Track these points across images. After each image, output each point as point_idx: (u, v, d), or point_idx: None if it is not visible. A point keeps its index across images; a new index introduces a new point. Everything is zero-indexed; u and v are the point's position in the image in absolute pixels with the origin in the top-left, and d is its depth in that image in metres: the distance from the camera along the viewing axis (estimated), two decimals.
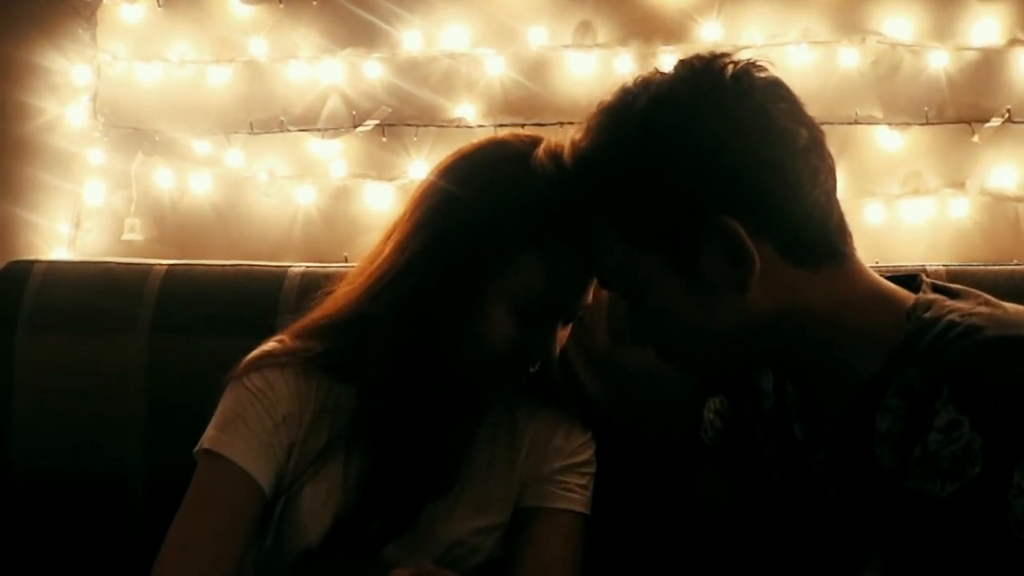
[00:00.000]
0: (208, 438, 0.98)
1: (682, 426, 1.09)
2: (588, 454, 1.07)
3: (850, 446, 0.81)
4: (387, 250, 0.98)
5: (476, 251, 0.93)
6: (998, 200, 1.63)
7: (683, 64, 0.83)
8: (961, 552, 0.69)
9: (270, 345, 1.04)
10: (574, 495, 1.04)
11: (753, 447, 0.97)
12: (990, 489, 0.68)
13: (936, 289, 0.85)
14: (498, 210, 0.93)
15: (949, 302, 0.79)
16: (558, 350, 0.99)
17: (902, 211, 1.65)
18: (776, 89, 0.82)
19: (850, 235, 0.84)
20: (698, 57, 0.83)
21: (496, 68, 1.69)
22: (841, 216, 0.83)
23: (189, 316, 1.37)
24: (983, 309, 0.77)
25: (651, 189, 0.80)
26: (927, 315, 0.77)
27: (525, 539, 1.02)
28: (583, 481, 1.06)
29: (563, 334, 1.00)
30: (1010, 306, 0.80)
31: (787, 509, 0.97)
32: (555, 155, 0.89)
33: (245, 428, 0.98)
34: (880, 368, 0.77)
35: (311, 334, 1.02)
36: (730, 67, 0.81)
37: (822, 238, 0.80)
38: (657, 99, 0.80)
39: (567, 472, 1.04)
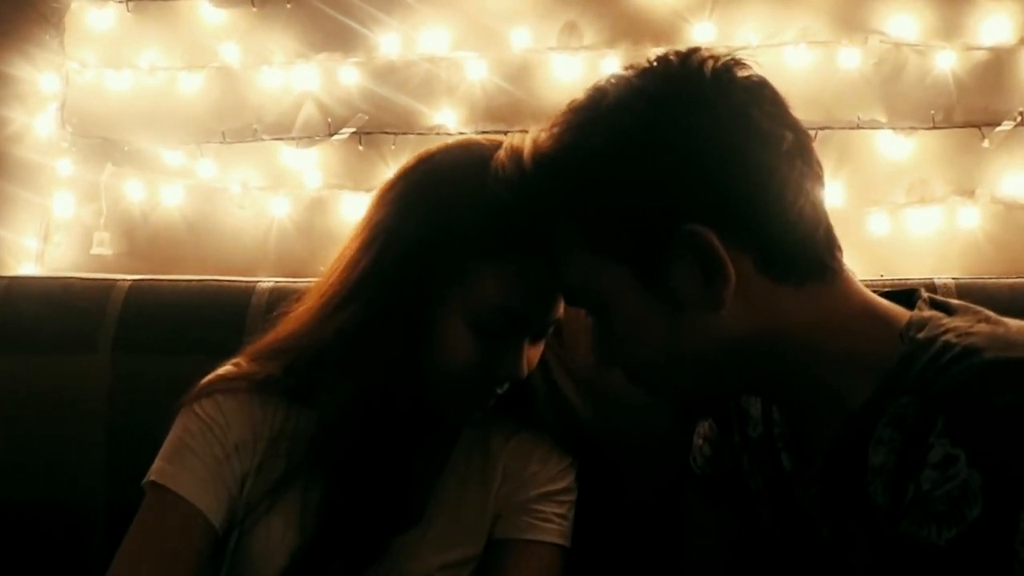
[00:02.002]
0: (154, 470, 0.95)
1: (672, 452, 1.06)
2: (567, 481, 1.03)
3: (842, 482, 0.77)
4: (340, 266, 0.95)
5: (430, 264, 0.90)
6: (1011, 209, 1.58)
7: (658, 60, 0.79)
8: None
9: (224, 369, 1.01)
10: (551, 525, 1.00)
11: (741, 478, 0.93)
12: (993, 535, 0.63)
13: (934, 305, 0.80)
14: (454, 219, 0.89)
15: (945, 320, 0.75)
16: (527, 370, 0.94)
17: (908, 221, 1.59)
18: (759, 88, 0.78)
19: (839, 248, 0.79)
20: (675, 52, 0.79)
21: (477, 72, 1.67)
22: (829, 228, 0.78)
23: (153, 335, 1.35)
24: (982, 327, 0.73)
25: (616, 193, 0.76)
26: (921, 335, 0.73)
27: (499, 574, 0.98)
28: (561, 510, 1.01)
29: (534, 353, 0.96)
30: (1013, 323, 0.76)
31: (777, 548, 0.92)
32: (516, 156, 0.85)
33: (193, 458, 0.95)
34: (872, 395, 0.73)
35: (268, 356, 0.99)
36: (710, 63, 0.77)
37: (807, 251, 0.76)
38: (627, 96, 0.77)
39: (544, 501, 1.01)
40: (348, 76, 1.70)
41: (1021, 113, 1.56)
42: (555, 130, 0.80)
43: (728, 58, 0.78)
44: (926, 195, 1.60)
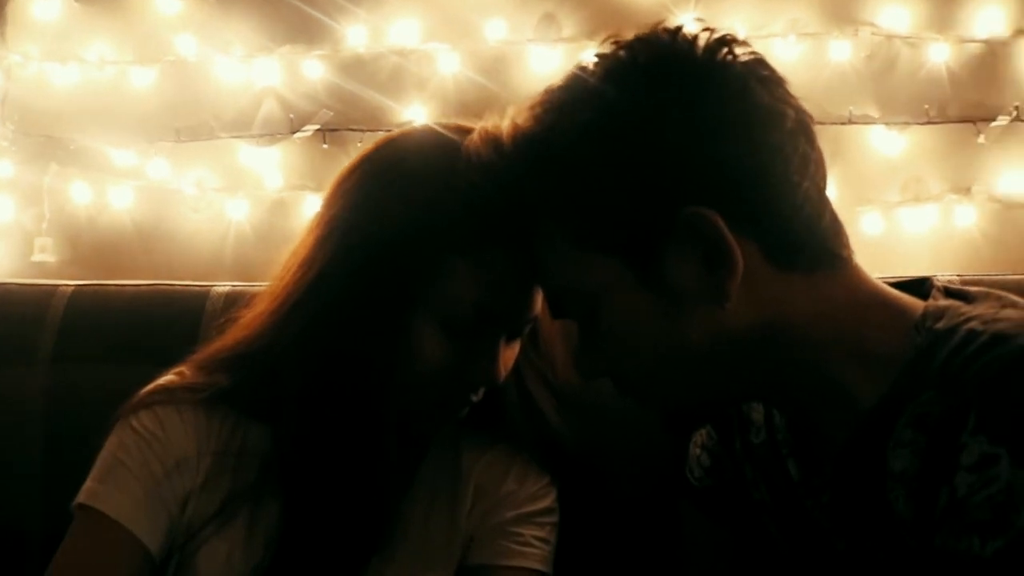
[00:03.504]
0: (84, 490, 0.90)
1: (665, 464, 1.01)
2: (548, 501, 0.97)
3: (856, 489, 0.73)
4: (294, 266, 0.90)
5: (394, 259, 0.85)
6: (1007, 207, 1.59)
7: (647, 34, 0.75)
8: None
9: (166, 379, 0.96)
10: (531, 550, 0.94)
11: (743, 490, 0.89)
12: None
13: (950, 294, 0.77)
14: (421, 209, 0.85)
15: (966, 308, 0.72)
16: (503, 372, 0.89)
17: (902, 220, 1.61)
18: (758, 63, 0.74)
19: (846, 235, 0.76)
20: (664, 28, 0.75)
21: (450, 65, 1.65)
22: (834, 214, 0.75)
23: (97, 344, 1.28)
24: (1010, 313, 0.70)
25: (608, 175, 0.72)
26: (940, 325, 0.70)
27: None
28: (542, 533, 0.95)
29: (509, 354, 0.90)
30: None
31: (786, 565, 0.87)
32: (492, 140, 0.81)
33: (128, 477, 0.89)
34: (887, 393, 0.70)
35: (215, 366, 0.94)
36: (704, 36, 0.73)
37: (814, 237, 0.73)
38: (615, 70, 0.73)
39: (522, 522, 0.94)
40: (312, 70, 1.68)
41: (1016, 108, 1.56)
42: (536, 110, 0.76)
43: (723, 32, 0.74)
44: (920, 193, 1.60)
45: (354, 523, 0.89)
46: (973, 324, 0.67)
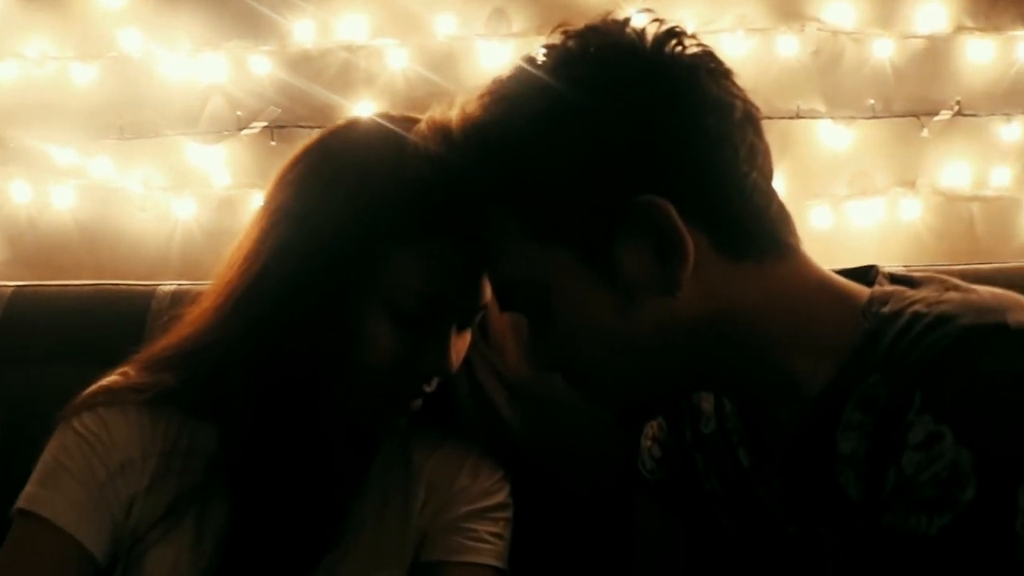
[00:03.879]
0: (24, 495, 0.88)
1: (617, 457, 1.01)
2: (502, 496, 0.96)
3: (806, 474, 0.74)
4: (238, 260, 0.89)
5: (339, 250, 0.84)
6: (951, 200, 1.62)
7: (597, 24, 0.76)
8: None
9: (109, 379, 0.94)
10: (486, 545, 0.93)
11: (695, 480, 0.90)
12: (990, 519, 0.59)
13: (895, 280, 0.78)
14: (367, 199, 0.84)
15: (910, 292, 0.73)
16: (456, 363, 0.89)
17: (850, 213, 1.63)
18: (707, 56, 0.75)
19: (793, 224, 0.77)
20: (613, 20, 0.76)
21: (399, 61, 1.64)
22: (781, 204, 0.76)
23: (39, 345, 1.25)
24: (953, 295, 0.70)
25: (558, 164, 0.72)
26: (886, 310, 0.71)
27: None
28: (496, 528, 0.95)
29: (461, 344, 0.90)
30: (983, 289, 0.73)
31: (739, 553, 0.87)
32: (441, 130, 0.80)
33: (70, 480, 0.88)
34: (834, 378, 0.71)
35: (160, 365, 0.93)
36: (652, 27, 0.74)
37: (763, 227, 0.74)
38: (566, 61, 0.73)
39: (476, 518, 0.94)
40: (259, 66, 1.66)
41: (958, 102, 1.59)
42: (485, 100, 0.76)
43: (672, 25, 0.75)
44: (867, 187, 1.62)
45: (305, 522, 0.89)
46: (917, 307, 0.68)
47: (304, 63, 1.65)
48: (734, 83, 0.75)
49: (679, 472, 0.92)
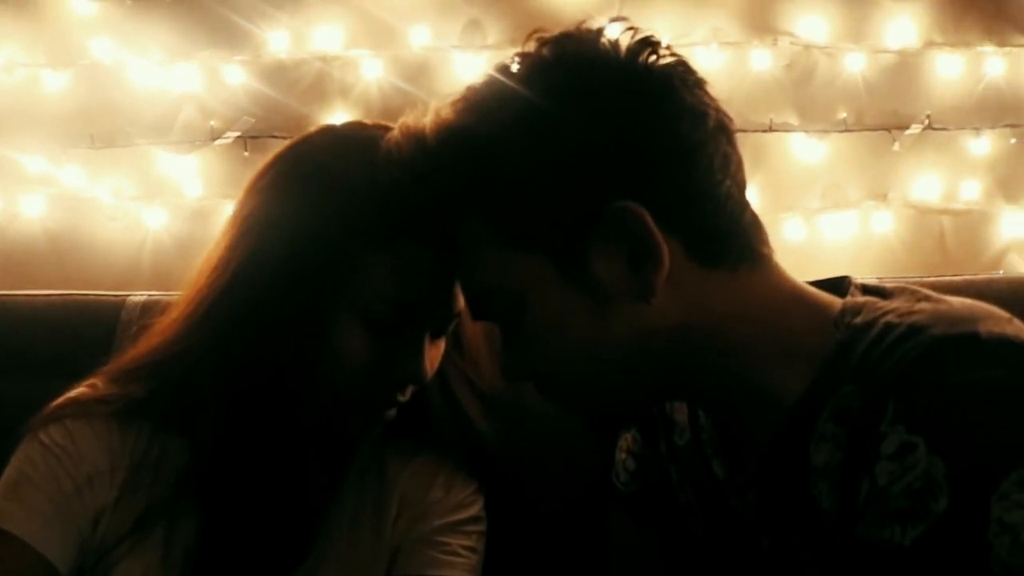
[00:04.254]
0: None
1: (592, 469, 1.00)
2: (475, 509, 0.95)
3: (781, 485, 0.73)
4: (209, 268, 0.88)
5: (312, 257, 0.82)
6: (922, 213, 1.64)
7: (571, 32, 0.75)
8: None
9: (77, 391, 0.92)
10: (458, 559, 0.92)
11: (669, 492, 0.89)
12: (964, 529, 0.59)
13: (867, 291, 0.78)
14: (340, 205, 0.83)
15: (882, 303, 0.72)
16: (430, 372, 0.88)
17: (823, 226, 1.64)
18: (680, 64, 0.75)
19: (766, 233, 0.76)
20: (588, 28, 0.75)
21: (373, 71, 1.66)
22: (754, 213, 0.76)
23: (5, 356, 1.21)
24: (924, 306, 0.70)
25: (532, 173, 0.71)
26: (858, 320, 0.70)
27: None
28: (469, 542, 0.93)
29: (435, 352, 0.89)
30: (955, 299, 0.73)
31: (714, 565, 0.86)
32: (414, 136, 0.79)
33: (35, 493, 0.85)
34: (808, 388, 0.70)
35: (128, 376, 0.90)
36: (627, 35, 0.74)
37: (736, 235, 0.73)
38: (540, 69, 0.73)
39: (448, 531, 0.93)
40: (233, 76, 1.69)
41: (928, 116, 1.61)
42: (459, 107, 0.75)
43: (646, 34, 0.75)
44: (840, 200, 1.63)
45: (277, 536, 0.87)
46: (889, 318, 0.68)
47: (278, 73, 1.65)
48: (707, 92, 0.75)
49: (653, 484, 0.91)
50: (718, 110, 0.75)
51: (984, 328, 0.64)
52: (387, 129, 0.84)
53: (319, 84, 1.65)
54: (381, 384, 0.85)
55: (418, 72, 1.63)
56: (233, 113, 1.65)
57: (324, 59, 1.64)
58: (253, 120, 1.63)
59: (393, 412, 0.88)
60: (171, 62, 1.64)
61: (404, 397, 0.87)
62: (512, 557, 0.98)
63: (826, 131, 1.61)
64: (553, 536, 1.07)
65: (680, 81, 0.72)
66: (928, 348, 0.64)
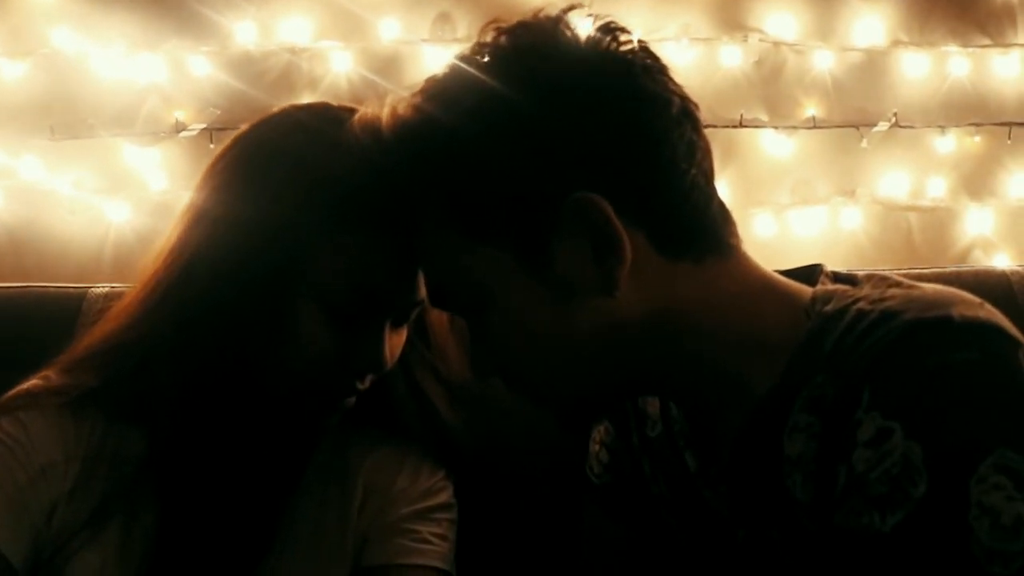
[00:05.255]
0: None
1: (562, 458, 1.00)
2: (444, 497, 0.94)
3: (754, 477, 0.72)
4: (164, 253, 0.86)
5: (270, 241, 0.82)
6: (889, 209, 1.65)
7: (530, 21, 0.74)
8: None
9: (29, 383, 0.90)
10: (429, 547, 0.91)
11: (642, 484, 0.88)
12: (943, 513, 0.58)
13: (838, 279, 0.78)
14: (299, 189, 0.82)
15: (853, 290, 0.72)
16: (391, 360, 0.87)
17: (793, 222, 1.65)
18: (642, 51, 0.74)
19: (734, 224, 0.76)
20: (547, 16, 0.74)
21: (342, 64, 1.65)
22: (722, 203, 0.75)
23: None
24: (896, 291, 0.70)
25: (492, 164, 0.70)
26: (829, 308, 0.70)
27: None
28: (439, 529, 0.93)
29: (396, 341, 0.88)
30: (926, 285, 0.73)
31: (687, 558, 0.86)
32: (373, 127, 0.78)
33: None
34: (780, 378, 0.69)
35: (82, 366, 0.89)
36: (587, 21, 0.73)
37: (703, 225, 0.73)
38: (499, 58, 0.72)
39: (417, 519, 0.92)
40: (199, 67, 1.64)
41: (895, 114, 1.62)
42: (418, 99, 0.74)
43: (607, 20, 0.74)
44: (809, 195, 1.64)
45: (238, 527, 0.86)
46: (861, 305, 0.67)
47: (245, 65, 1.64)
48: (671, 79, 0.74)
49: (626, 476, 0.90)
50: (683, 97, 0.74)
51: (957, 312, 0.64)
52: (353, 111, 0.84)
53: (287, 76, 1.63)
54: (340, 373, 0.84)
55: (387, 65, 1.62)
56: (199, 105, 1.63)
57: (292, 51, 1.62)
58: (219, 112, 1.62)
59: (352, 400, 0.87)
60: (135, 52, 1.62)
61: (363, 385, 0.86)
62: (484, 547, 0.96)
63: (795, 127, 1.62)
64: (525, 525, 1.06)
65: (641, 68, 0.71)
66: (902, 333, 0.63)
